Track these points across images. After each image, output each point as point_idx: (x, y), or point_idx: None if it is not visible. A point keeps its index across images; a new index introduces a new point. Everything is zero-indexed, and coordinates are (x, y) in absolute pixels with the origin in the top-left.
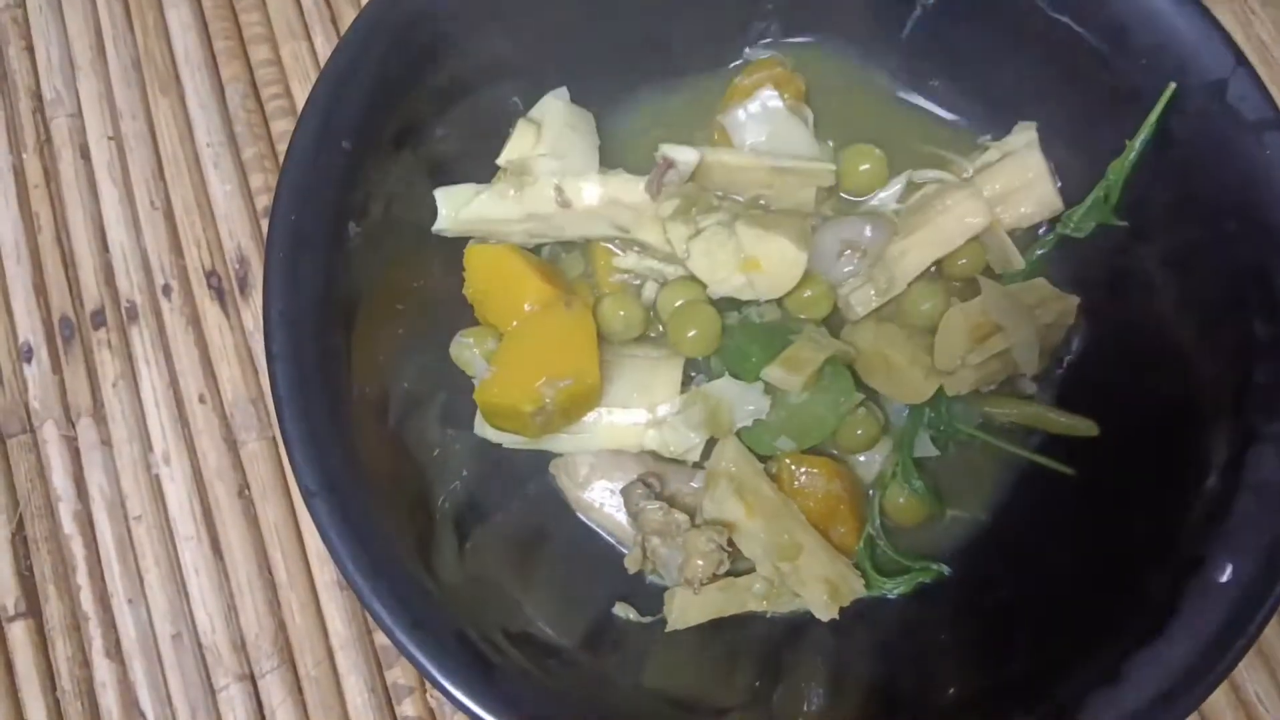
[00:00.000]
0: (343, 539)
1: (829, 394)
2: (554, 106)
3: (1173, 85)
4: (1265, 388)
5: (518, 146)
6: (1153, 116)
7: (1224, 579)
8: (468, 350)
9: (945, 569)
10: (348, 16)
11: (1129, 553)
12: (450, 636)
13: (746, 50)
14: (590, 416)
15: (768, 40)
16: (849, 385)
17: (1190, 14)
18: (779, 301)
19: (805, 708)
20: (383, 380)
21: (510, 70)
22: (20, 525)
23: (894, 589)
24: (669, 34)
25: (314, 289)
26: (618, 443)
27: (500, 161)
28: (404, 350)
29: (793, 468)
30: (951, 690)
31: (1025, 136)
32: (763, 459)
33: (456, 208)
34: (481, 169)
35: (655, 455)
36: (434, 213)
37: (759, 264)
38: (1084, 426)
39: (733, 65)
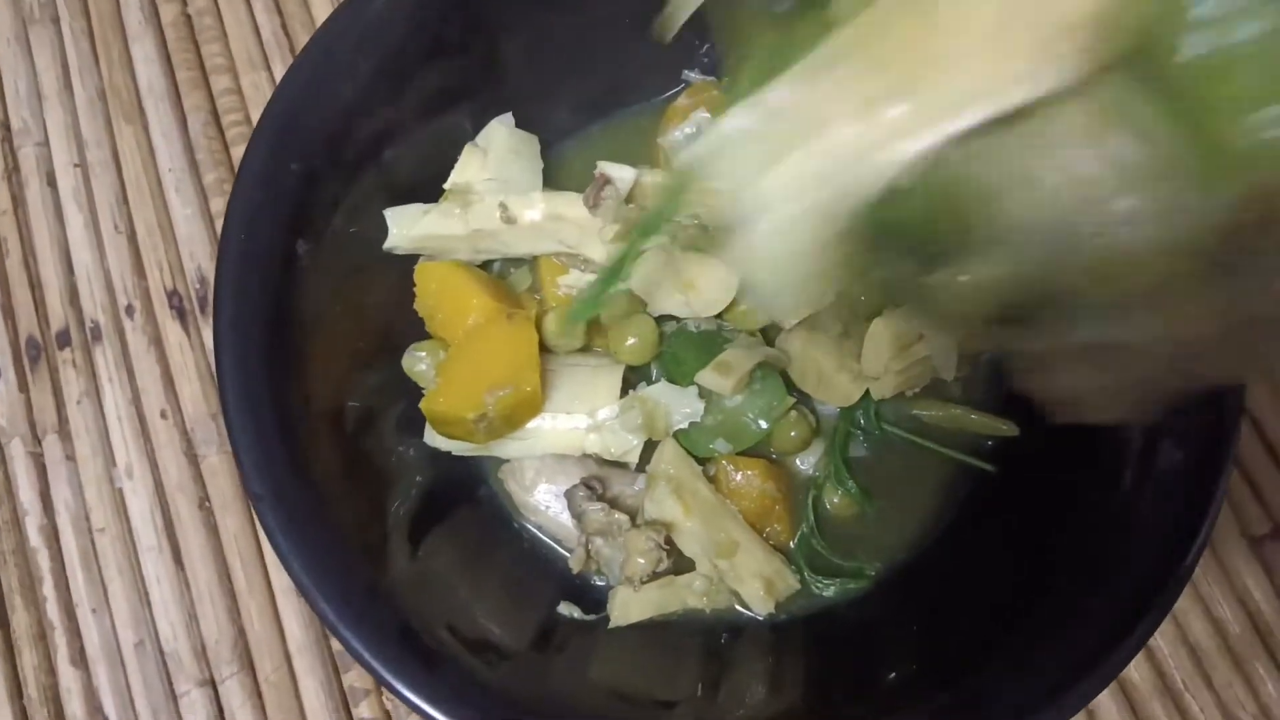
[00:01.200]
0: (289, 541)
1: (761, 398)
2: (499, 132)
3: None
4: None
5: (464, 170)
6: None
7: (1128, 565)
8: (420, 363)
9: (871, 572)
10: None
11: (1043, 546)
12: (396, 634)
13: (686, 73)
14: (534, 423)
15: (705, 62)
16: (780, 390)
17: None
18: (716, 315)
19: (748, 700)
20: (337, 390)
21: (459, 97)
22: None
23: (826, 588)
24: (615, 66)
25: (262, 303)
26: (560, 447)
27: (447, 185)
28: (358, 362)
29: (729, 469)
30: (882, 678)
31: None
32: (701, 461)
33: (406, 226)
34: (431, 192)
35: (598, 459)
36: (384, 231)
37: (695, 285)
38: (1004, 427)
39: (674, 91)
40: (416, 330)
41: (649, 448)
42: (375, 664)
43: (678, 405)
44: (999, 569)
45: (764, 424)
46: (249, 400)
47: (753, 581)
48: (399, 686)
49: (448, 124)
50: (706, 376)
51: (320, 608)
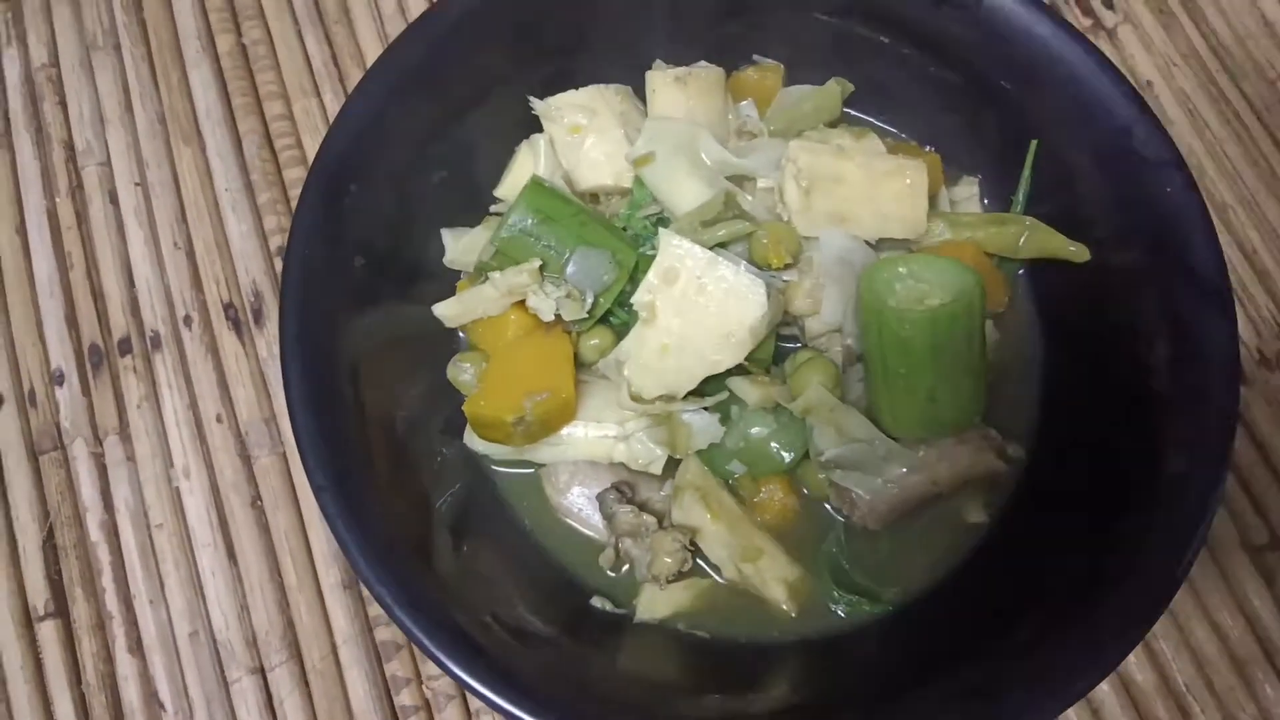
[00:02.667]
0: (349, 529)
1: (789, 432)
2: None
3: (1035, 142)
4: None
5: (518, 175)
6: (1026, 170)
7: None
8: (464, 372)
9: (890, 597)
10: (354, 75)
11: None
12: (446, 619)
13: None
14: (566, 430)
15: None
16: (800, 441)
17: (1097, 70)
18: None
19: (767, 704)
20: (389, 395)
21: (507, 115)
22: (50, 534)
23: (848, 604)
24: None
25: (324, 313)
26: (591, 454)
27: (498, 193)
28: (408, 370)
29: (753, 482)
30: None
31: (967, 190)
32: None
33: (461, 244)
34: (482, 201)
35: (625, 466)
36: (431, 247)
37: None
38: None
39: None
40: (459, 342)
41: (673, 460)
42: (431, 646)
43: (700, 426)
44: (1014, 586)
45: (788, 457)
46: (312, 401)
47: (777, 585)
48: (453, 666)
49: (496, 139)
50: (738, 382)
51: (377, 591)
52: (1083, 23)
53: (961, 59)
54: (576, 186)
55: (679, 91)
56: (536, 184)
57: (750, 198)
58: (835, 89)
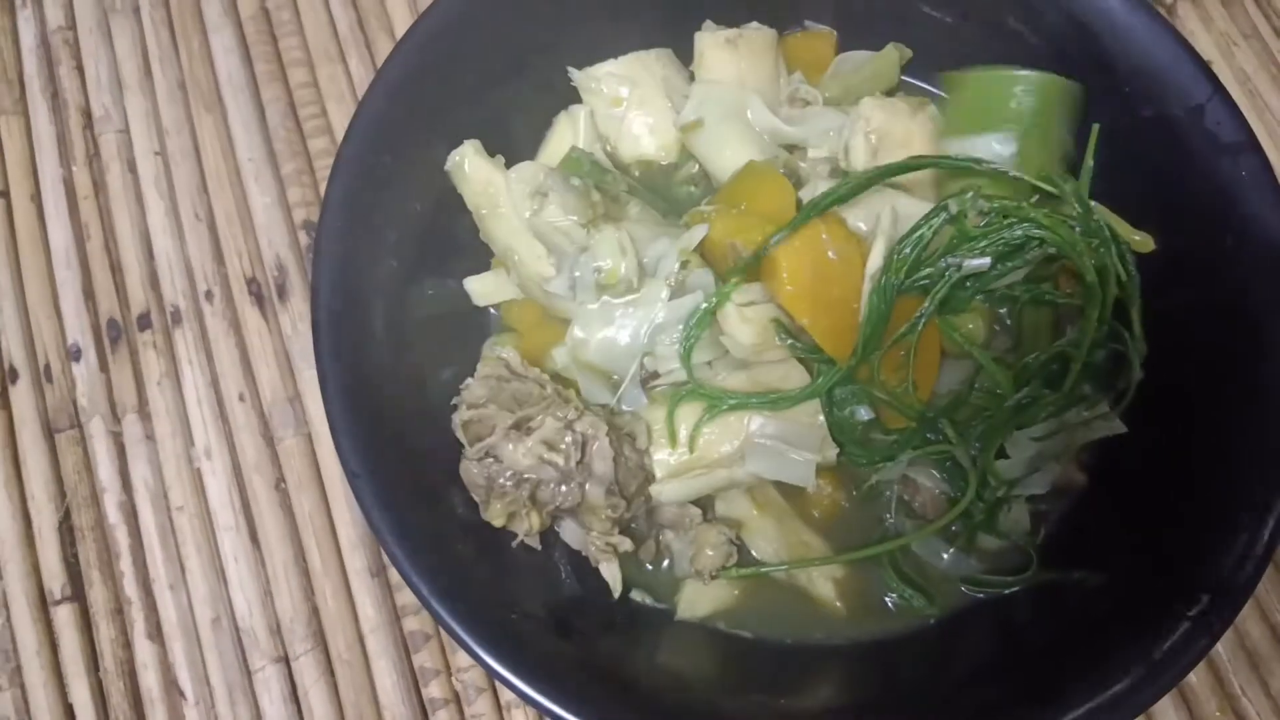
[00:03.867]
0: (383, 517)
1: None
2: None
3: (1095, 126)
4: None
5: (555, 147)
6: (1088, 160)
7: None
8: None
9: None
10: (381, 42)
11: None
12: (482, 610)
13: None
14: None
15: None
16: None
17: (1169, 45)
18: None
19: (809, 706)
20: (423, 377)
21: (544, 82)
22: (67, 515)
23: (897, 594)
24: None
25: (357, 293)
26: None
27: (542, 158)
28: (441, 350)
29: None
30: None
31: None
32: None
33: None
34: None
35: None
36: (466, 221)
37: None
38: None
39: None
40: (492, 321)
41: None
42: (465, 636)
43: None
44: (1072, 595)
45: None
46: (346, 386)
47: (825, 583)
48: (486, 657)
49: (535, 106)
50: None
51: (413, 581)
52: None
53: (1021, 31)
54: (620, 160)
55: (729, 54)
56: (573, 159)
57: (803, 164)
58: (894, 55)
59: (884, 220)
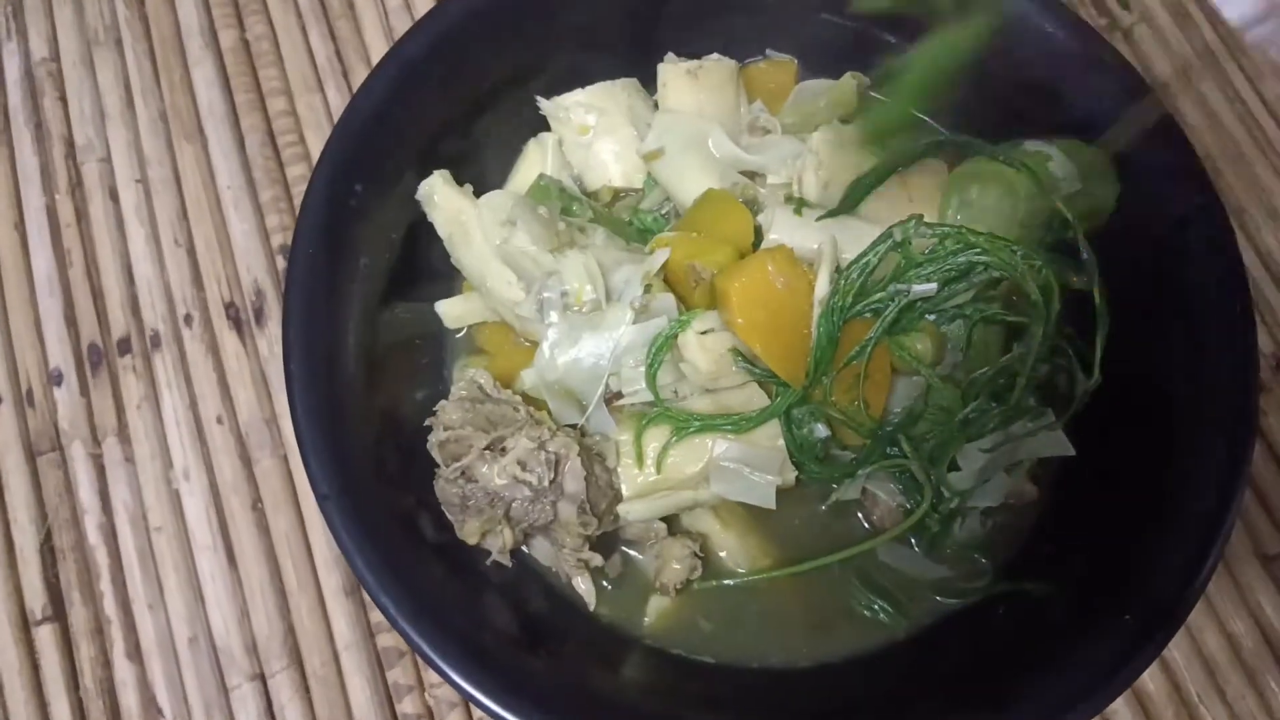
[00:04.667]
0: (353, 538)
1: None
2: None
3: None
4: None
5: (525, 174)
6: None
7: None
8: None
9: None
10: (358, 71)
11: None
12: (450, 628)
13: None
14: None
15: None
16: None
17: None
18: None
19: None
20: (393, 400)
21: (515, 109)
22: (48, 536)
23: (866, 609)
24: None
25: (328, 317)
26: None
27: (512, 185)
28: (412, 373)
29: None
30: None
31: None
32: None
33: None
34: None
35: None
36: (437, 247)
37: None
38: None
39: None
40: (463, 344)
41: None
42: (434, 656)
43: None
44: (1027, 606)
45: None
46: (316, 408)
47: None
48: (455, 676)
49: (504, 138)
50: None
51: (380, 601)
52: (1098, 22)
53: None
54: (587, 187)
55: (690, 84)
56: (540, 186)
57: (763, 190)
58: (851, 84)
59: (825, 248)
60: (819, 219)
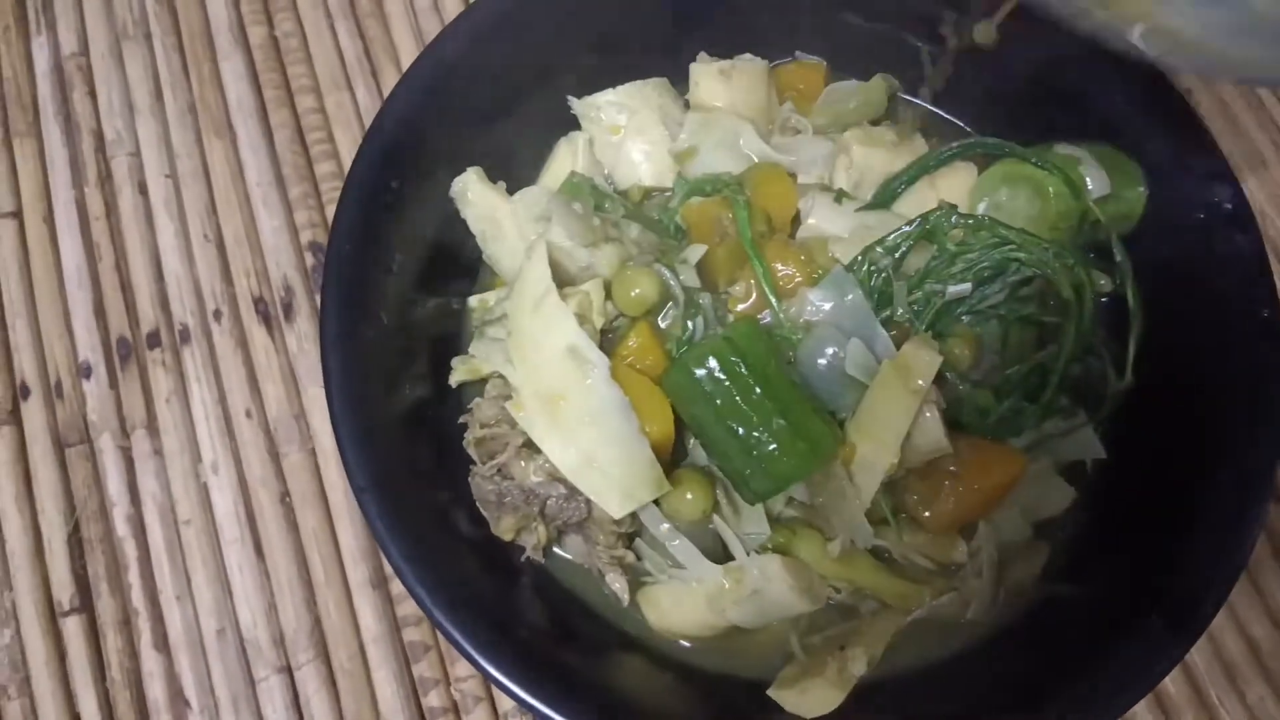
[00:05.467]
0: (389, 530)
1: None
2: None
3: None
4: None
5: (556, 173)
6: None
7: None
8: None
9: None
10: (387, 71)
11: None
12: (482, 620)
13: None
14: None
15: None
16: None
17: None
18: None
19: None
20: (428, 393)
21: (549, 109)
22: (76, 528)
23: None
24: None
25: (364, 312)
26: None
27: (543, 183)
28: (445, 369)
29: None
30: None
31: None
32: None
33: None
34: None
35: None
36: (470, 243)
37: None
38: None
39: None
40: None
41: None
42: (469, 647)
43: None
44: (1050, 608)
45: None
46: (353, 401)
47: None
48: (490, 668)
49: (536, 133)
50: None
51: (416, 592)
52: None
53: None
54: (617, 186)
55: (723, 84)
56: (573, 183)
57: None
58: (881, 85)
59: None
60: (857, 210)
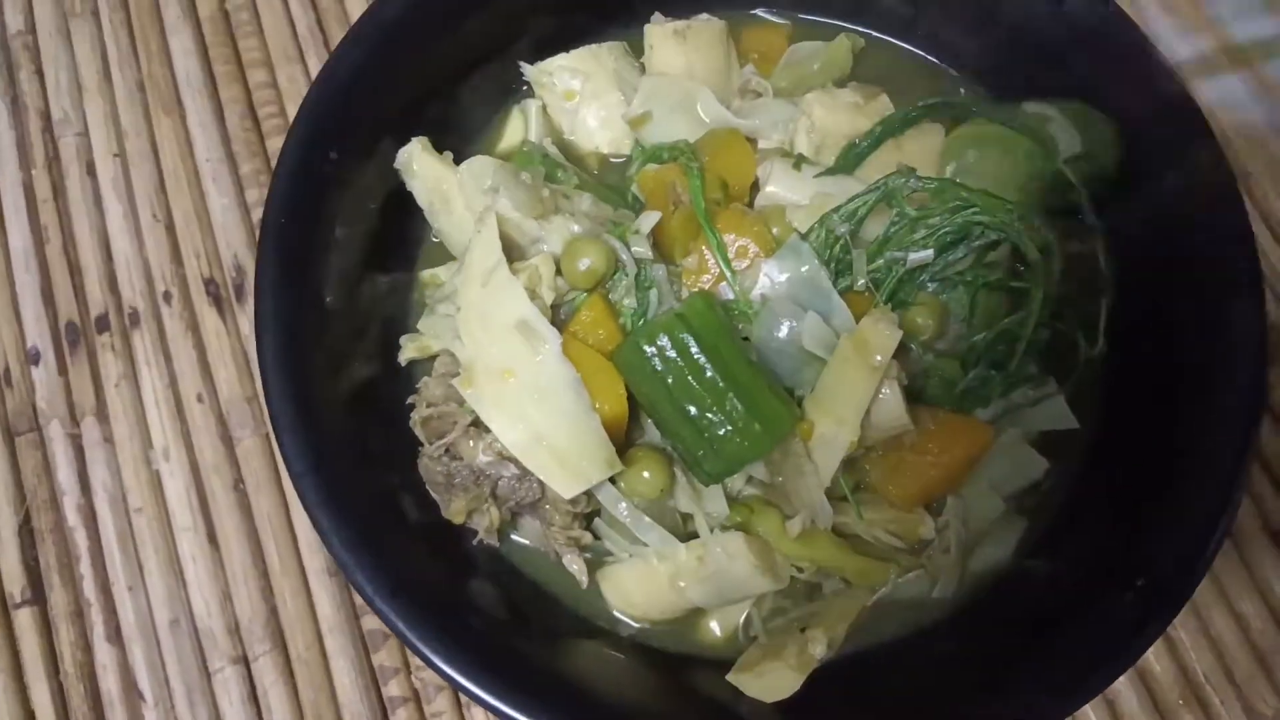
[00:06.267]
0: (328, 516)
1: None
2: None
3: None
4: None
5: (511, 136)
6: None
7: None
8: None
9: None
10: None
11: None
12: (429, 608)
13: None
14: None
15: None
16: None
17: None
18: None
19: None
20: (376, 374)
21: (489, 77)
22: (27, 518)
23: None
24: None
25: (301, 289)
26: None
27: (495, 152)
28: (390, 348)
29: None
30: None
31: None
32: None
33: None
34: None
35: None
36: (416, 218)
37: None
38: None
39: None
40: None
41: None
42: (410, 635)
43: None
44: (1026, 583)
45: None
46: (289, 382)
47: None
48: (432, 656)
49: (486, 100)
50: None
51: (356, 579)
52: None
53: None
54: (573, 153)
55: (678, 46)
56: (523, 153)
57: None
58: (845, 44)
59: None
60: (816, 175)
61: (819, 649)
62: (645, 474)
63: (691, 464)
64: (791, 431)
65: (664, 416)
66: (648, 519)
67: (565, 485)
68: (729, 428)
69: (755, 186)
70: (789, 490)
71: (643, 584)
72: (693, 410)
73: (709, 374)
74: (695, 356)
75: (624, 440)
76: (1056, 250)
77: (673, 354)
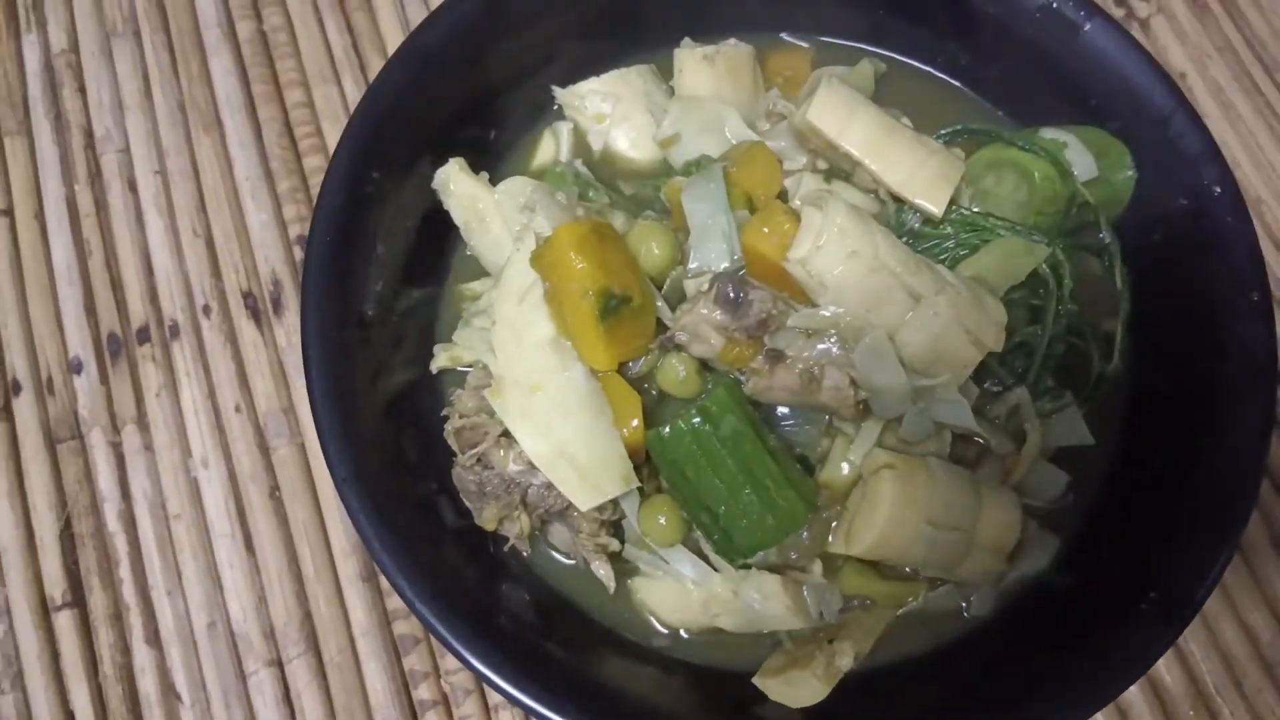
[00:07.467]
0: (370, 521)
1: None
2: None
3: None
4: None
5: (544, 157)
6: None
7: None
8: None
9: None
10: (375, 63)
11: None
12: (466, 612)
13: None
14: None
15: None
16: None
17: (1136, 58)
18: None
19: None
20: (413, 385)
21: (531, 100)
22: (68, 523)
23: None
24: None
25: (346, 304)
26: None
27: (533, 169)
28: (423, 355)
29: None
30: None
31: None
32: None
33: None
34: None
35: None
36: (454, 233)
37: None
38: None
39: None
40: None
41: None
42: (450, 639)
43: None
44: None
45: None
46: (333, 392)
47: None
48: (474, 660)
49: (520, 123)
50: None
51: (397, 583)
52: (1115, 12)
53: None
54: (603, 175)
55: (708, 70)
56: (556, 173)
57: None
58: (868, 69)
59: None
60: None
61: (846, 661)
62: (661, 520)
63: (707, 541)
64: (803, 523)
65: (684, 498)
66: (683, 549)
67: (583, 497)
68: (744, 520)
69: (783, 198)
70: (804, 561)
71: (674, 600)
72: (708, 501)
73: (727, 466)
74: (716, 449)
75: (643, 458)
76: (1065, 267)
77: (693, 446)
